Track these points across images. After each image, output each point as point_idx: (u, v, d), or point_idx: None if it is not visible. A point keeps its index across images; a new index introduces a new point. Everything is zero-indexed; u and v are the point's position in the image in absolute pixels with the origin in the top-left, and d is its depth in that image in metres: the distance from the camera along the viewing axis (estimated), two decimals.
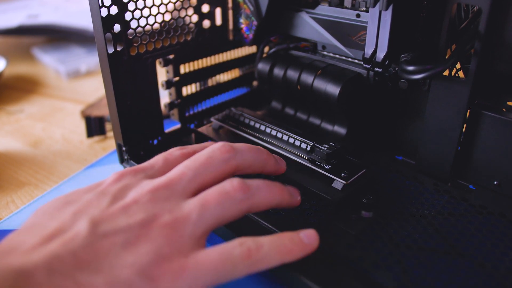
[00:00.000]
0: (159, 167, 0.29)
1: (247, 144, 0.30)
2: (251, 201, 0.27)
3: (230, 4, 0.45)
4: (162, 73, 0.42)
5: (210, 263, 0.23)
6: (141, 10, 0.37)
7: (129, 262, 0.22)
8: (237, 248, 0.24)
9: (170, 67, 0.42)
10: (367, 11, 0.36)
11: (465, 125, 0.34)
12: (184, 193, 0.26)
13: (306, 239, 0.26)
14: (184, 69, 0.43)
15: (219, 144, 0.29)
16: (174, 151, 0.30)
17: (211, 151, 0.28)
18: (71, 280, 0.21)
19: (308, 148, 0.35)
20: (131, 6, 0.36)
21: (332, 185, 0.33)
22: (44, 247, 0.22)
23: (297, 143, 0.36)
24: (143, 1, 0.37)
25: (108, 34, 0.35)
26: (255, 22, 0.43)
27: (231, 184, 0.26)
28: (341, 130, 0.40)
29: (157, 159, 0.29)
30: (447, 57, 0.32)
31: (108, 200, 0.25)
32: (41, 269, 0.21)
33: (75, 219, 0.24)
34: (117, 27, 0.35)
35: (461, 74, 0.33)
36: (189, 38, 0.43)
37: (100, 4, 0.33)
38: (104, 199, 0.25)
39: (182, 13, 0.42)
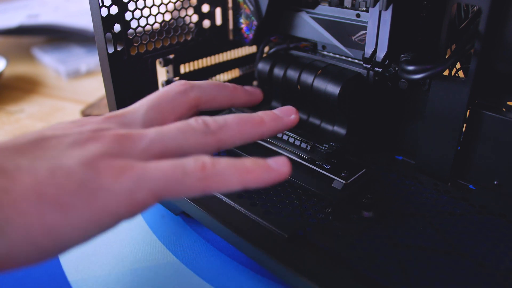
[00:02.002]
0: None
1: (210, 81, 0.29)
2: (217, 136, 0.25)
3: (230, 4, 0.45)
4: (162, 73, 0.42)
5: (159, 168, 0.22)
6: (141, 10, 0.37)
7: (74, 155, 0.22)
8: (191, 160, 0.23)
9: (170, 67, 0.42)
10: (367, 11, 0.36)
11: (465, 124, 0.34)
12: (141, 121, 0.26)
13: (274, 164, 0.24)
14: (184, 69, 0.43)
15: (176, 81, 0.29)
16: None
17: (167, 87, 0.28)
18: (12, 163, 0.21)
19: (308, 148, 0.35)
20: (131, 6, 0.36)
21: (332, 185, 0.33)
22: None
23: (297, 143, 0.35)
24: (143, 1, 0.37)
25: (108, 34, 0.35)
26: (255, 22, 0.43)
27: (195, 119, 0.26)
28: (341, 130, 0.40)
29: None
30: (447, 57, 0.32)
31: (64, 125, 0.25)
32: None
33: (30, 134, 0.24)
34: (117, 27, 0.35)
35: (461, 74, 0.33)
36: (189, 38, 0.43)
37: (100, 4, 0.33)
38: (61, 125, 0.25)
39: (182, 13, 0.42)
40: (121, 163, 0.22)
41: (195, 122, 0.25)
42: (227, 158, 0.24)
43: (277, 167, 0.24)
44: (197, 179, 0.22)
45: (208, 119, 0.26)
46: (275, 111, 0.28)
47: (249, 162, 0.24)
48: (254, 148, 0.38)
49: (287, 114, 0.28)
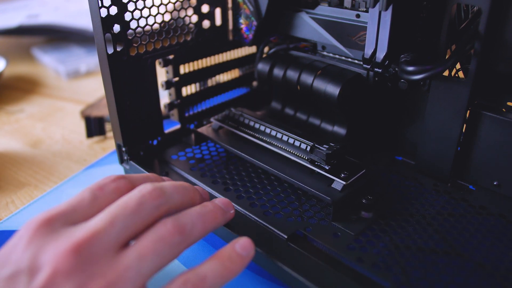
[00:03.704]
0: (84, 209, 0.25)
1: (174, 184, 0.28)
2: (189, 240, 0.26)
3: (230, 4, 0.45)
4: (162, 73, 0.42)
5: None
6: (140, 10, 0.37)
7: None
8: None
9: (170, 68, 0.42)
10: (367, 11, 0.36)
11: (465, 125, 0.34)
12: (113, 246, 0.24)
13: (244, 252, 0.27)
14: (183, 69, 0.43)
15: (149, 187, 0.26)
16: (108, 184, 0.27)
17: (141, 196, 0.26)
18: None
19: (308, 149, 0.35)
20: (130, 6, 0.36)
21: (332, 186, 0.33)
22: None
23: (297, 143, 0.35)
24: (142, 2, 0.37)
25: (108, 35, 0.35)
26: (255, 22, 0.43)
27: (165, 228, 0.25)
28: (341, 130, 0.40)
29: (83, 197, 0.26)
30: (447, 57, 0.32)
31: (23, 283, 0.21)
32: None
33: None
34: (116, 28, 0.35)
35: (461, 74, 0.33)
36: (188, 39, 0.43)
37: (100, 5, 0.33)
38: (18, 282, 0.21)
39: (182, 13, 0.42)
40: None
41: (167, 233, 0.25)
42: (208, 264, 0.25)
43: (247, 254, 0.27)
44: None
45: (178, 225, 0.25)
46: (218, 204, 0.29)
47: (227, 261, 0.26)
48: (253, 149, 0.38)
49: (228, 209, 0.29)
